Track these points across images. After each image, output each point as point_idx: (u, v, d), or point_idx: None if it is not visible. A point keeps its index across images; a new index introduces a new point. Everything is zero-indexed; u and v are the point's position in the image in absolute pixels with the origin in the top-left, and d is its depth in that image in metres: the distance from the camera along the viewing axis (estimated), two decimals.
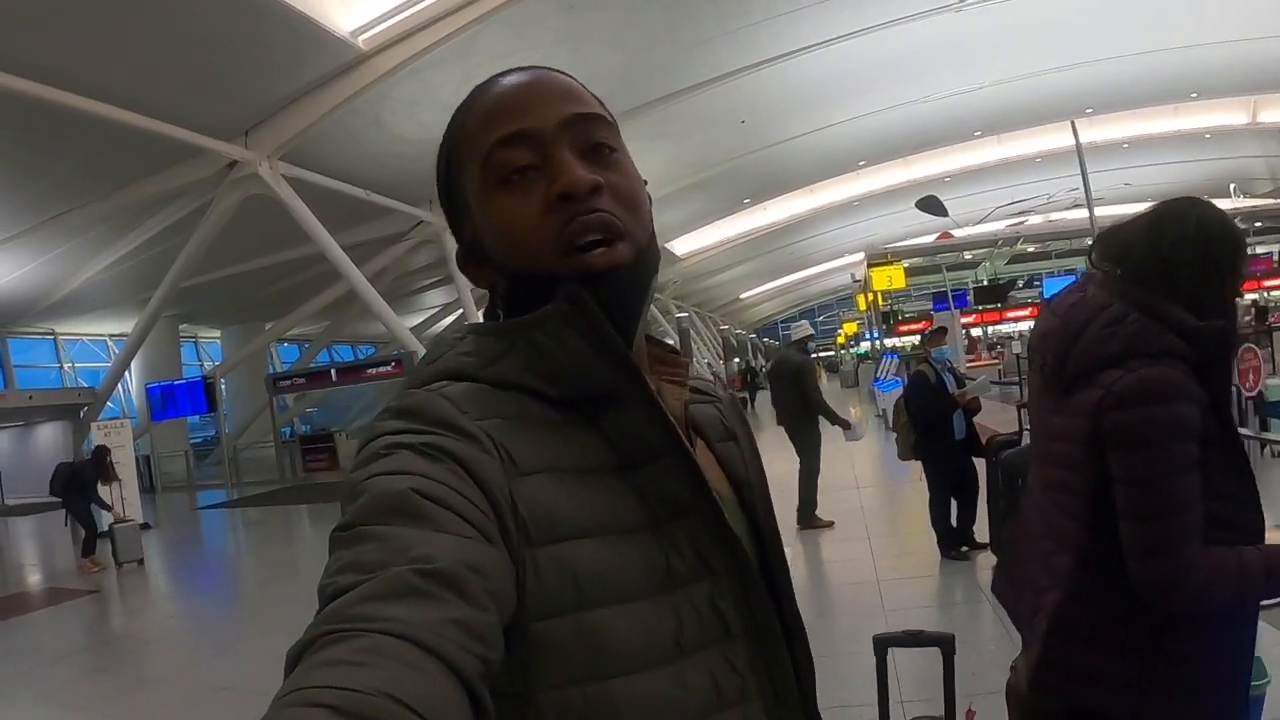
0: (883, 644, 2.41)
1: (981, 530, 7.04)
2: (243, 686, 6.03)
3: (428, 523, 0.72)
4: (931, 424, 7.38)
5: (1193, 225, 1.85)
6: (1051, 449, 2.00)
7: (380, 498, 0.74)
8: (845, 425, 9.22)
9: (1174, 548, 1.69)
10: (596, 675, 0.81)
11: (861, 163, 36.31)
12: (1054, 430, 1.98)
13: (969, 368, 24.13)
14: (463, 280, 24.25)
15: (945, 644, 2.30)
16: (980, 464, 7.35)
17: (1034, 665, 1.93)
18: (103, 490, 12.85)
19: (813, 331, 10.45)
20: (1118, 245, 1.95)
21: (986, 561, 6.90)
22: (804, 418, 9.46)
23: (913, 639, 2.35)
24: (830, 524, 9.27)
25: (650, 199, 1.03)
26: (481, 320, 1.03)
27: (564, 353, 0.89)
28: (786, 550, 1.07)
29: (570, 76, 1.01)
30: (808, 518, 9.31)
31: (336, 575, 0.68)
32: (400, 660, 0.59)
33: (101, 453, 13.43)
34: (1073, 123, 23.95)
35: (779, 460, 14.74)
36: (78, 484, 12.31)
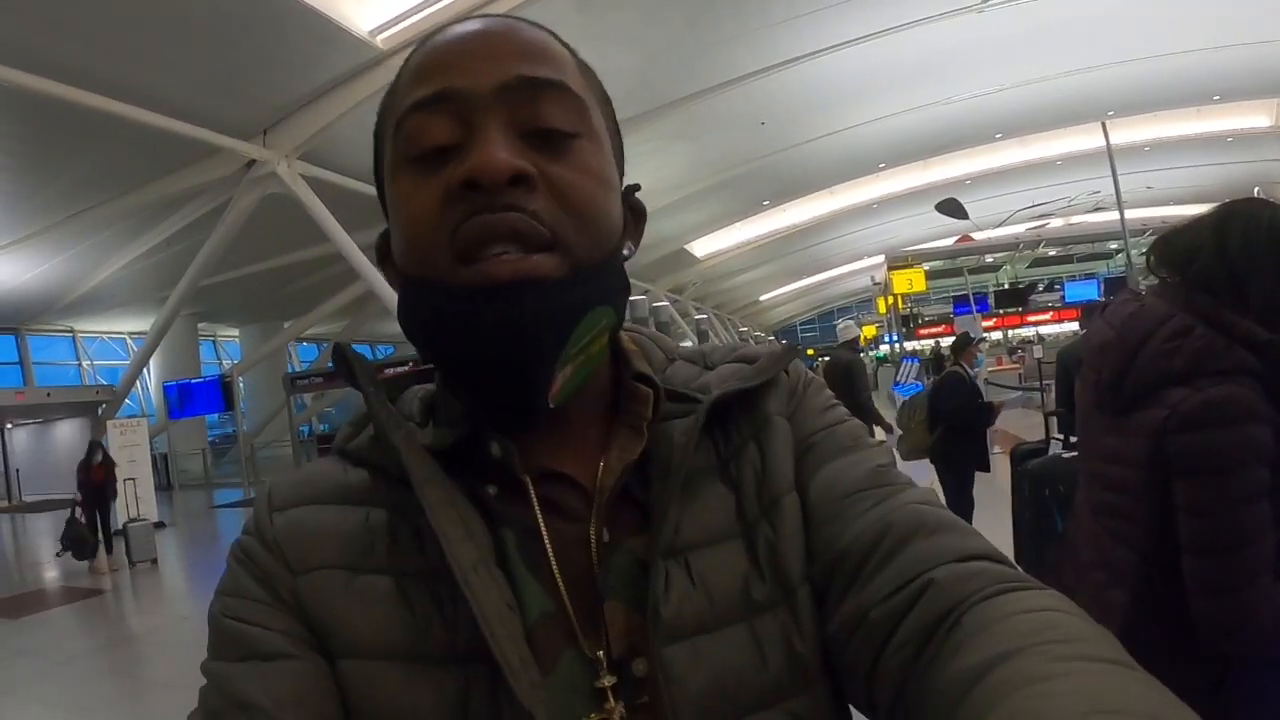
0: None
1: (1005, 541, 6.92)
2: None
3: (242, 647, 0.70)
4: (962, 428, 7.22)
5: (1264, 229, 1.71)
6: (1105, 472, 1.85)
7: (210, 627, 0.73)
8: (889, 429, 9.17)
9: (1242, 584, 1.56)
10: None
11: (881, 165, 36.18)
12: (1108, 452, 1.84)
13: (990, 373, 23.97)
14: None
15: None
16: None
17: None
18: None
19: (859, 332, 10.50)
20: (1180, 250, 1.80)
21: None
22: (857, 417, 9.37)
23: None
24: None
25: (639, 212, 0.83)
26: None
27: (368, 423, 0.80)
28: None
29: (549, 32, 0.77)
30: None
31: (195, 713, 0.70)
32: None
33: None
34: (1104, 124, 23.72)
35: None
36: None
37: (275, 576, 0.73)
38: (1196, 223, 1.80)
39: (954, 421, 7.16)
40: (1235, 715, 1.65)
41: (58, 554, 11.47)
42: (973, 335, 8.66)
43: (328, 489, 0.77)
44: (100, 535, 11.89)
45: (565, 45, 0.78)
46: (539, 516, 0.73)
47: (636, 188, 0.82)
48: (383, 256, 0.81)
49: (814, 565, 0.75)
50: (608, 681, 0.68)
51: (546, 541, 0.72)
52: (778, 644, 0.71)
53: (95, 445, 13.42)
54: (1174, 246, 1.82)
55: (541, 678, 0.66)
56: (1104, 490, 1.85)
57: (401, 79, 0.75)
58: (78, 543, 11.45)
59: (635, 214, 0.81)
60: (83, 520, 11.54)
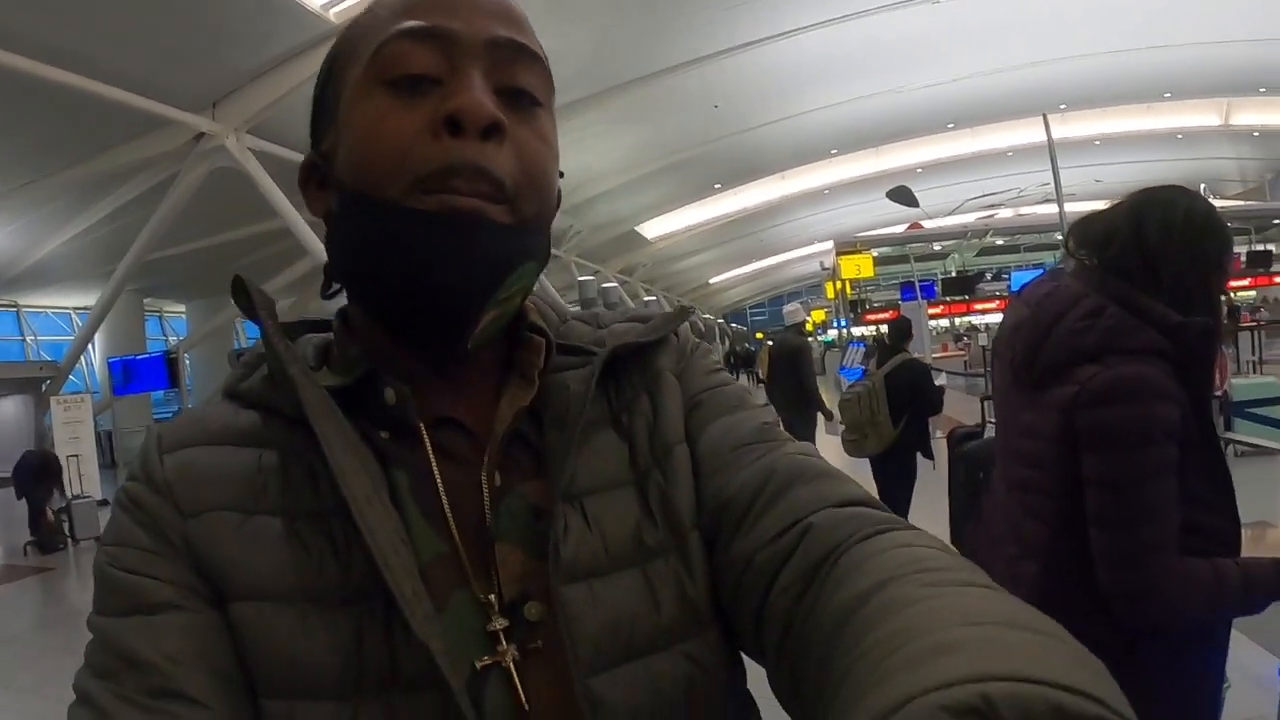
0: None
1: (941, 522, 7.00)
2: None
3: (130, 597, 0.68)
4: (925, 415, 7.21)
5: (1180, 216, 1.77)
6: (1019, 446, 1.91)
7: (95, 579, 0.71)
8: (829, 416, 9.22)
9: (1146, 556, 1.61)
10: None
11: (834, 151, 36.49)
12: (1022, 427, 1.89)
13: (935, 359, 24.28)
14: None
15: None
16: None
17: None
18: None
19: (806, 316, 10.51)
20: (1097, 234, 1.86)
21: None
22: (803, 403, 9.50)
23: None
24: None
25: (557, 194, 0.82)
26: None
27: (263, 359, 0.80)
28: None
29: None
30: None
31: (80, 672, 0.68)
32: None
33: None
34: (1045, 118, 24.02)
35: None
36: (52, 473, 11.91)
37: (164, 521, 0.71)
38: (1115, 208, 1.87)
39: (922, 410, 7.14)
40: (1145, 684, 1.69)
41: (25, 547, 11.20)
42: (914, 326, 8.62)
43: (218, 430, 0.76)
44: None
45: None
46: (432, 460, 0.74)
47: (562, 174, 0.82)
48: (309, 179, 0.81)
49: (703, 513, 0.78)
50: (499, 625, 0.70)
51: (439, 483, 0.74)
52: (670, 588, 0.74)
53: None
54: (1092, 229, 1.88)
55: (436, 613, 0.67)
56: (1018, 465, 1.91)
57: (382, 7, 0.75)
58: (45, 537, 11.23)
59: (559, 196, 0.82)
60: (50, 518, 11.30)
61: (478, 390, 0.79)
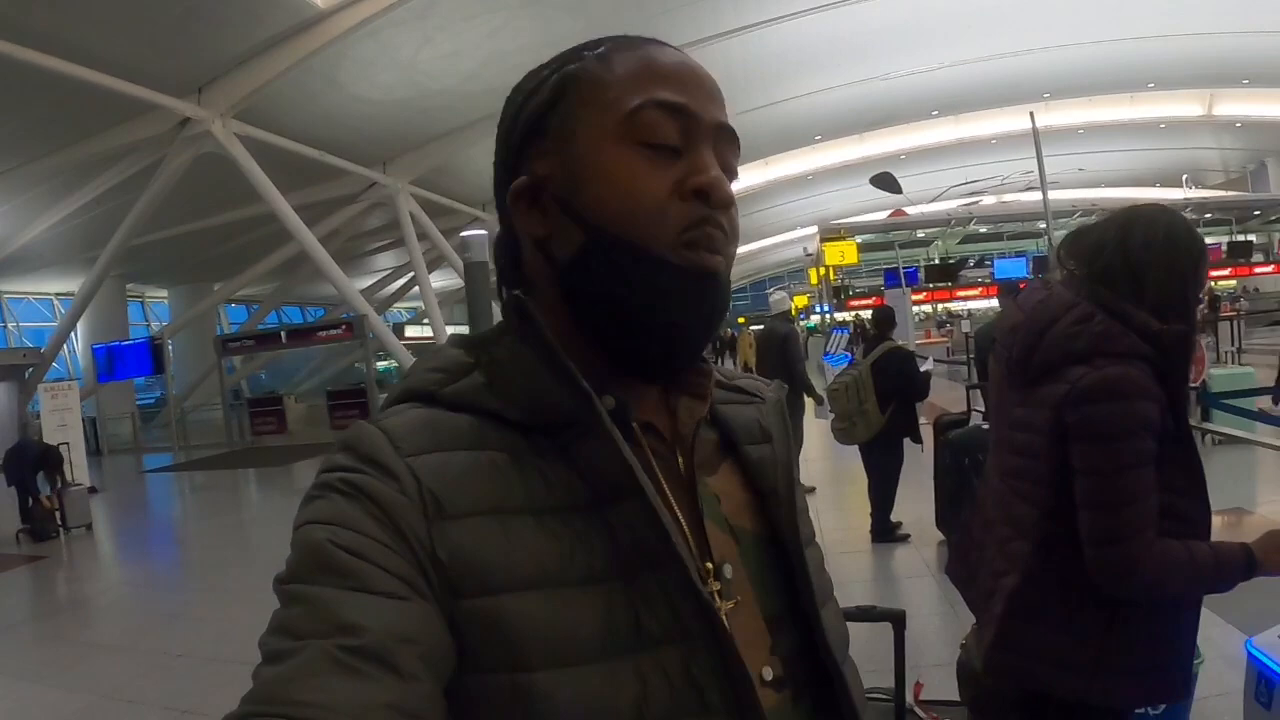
0: None
1: (928, 505, 7.16)
2: (199, 654, 6.00)
3: (350, 578, 0.69)
4: (911, 401, 7.33)
5: (1161, 233, 1.94)
6: (1013, 438, 2.08)
7: (304, 551, 0.72)
8: (819, 400, 9.41)
9: (1128, 536, 1.79)
10: None
11: (818, 137, 36.56)
12: (1016, 420, 2.06)
13: (918, 345, 24.44)
14: (414, 243, 24.46)
15: (897, 620, 2.38)
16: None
17: (989, 646, 2.02)
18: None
19: (790, 304, 10.68)
20: (1087, 247, 2.03)
21: (928, 538, 7.07)
22: (791, 390, 9.52)
23: (865, 614, 2.39)
24: (811, 490, 9.48)
25: None
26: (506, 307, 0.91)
27: (519, 373, 0.83)
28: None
29: None
30: None
31: (272, 637, 0.68)
32: None
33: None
34: (1031, 114, 24.15)
35: None
36: (53, 462, 11.84)
37: (404, 520, 0.74)
38: (1104, 222, 2.05)
39: (906, 396, 7.25)
40: (1125, 652, 1.91)
41: (18, 535, 11.17)
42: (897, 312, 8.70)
43: (448, 435, 0.80)
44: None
45: None
46: (650, 455, 0.86)
47: None
48: (519, 197, 0.88)
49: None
50: (715, 586, 0.83)
51: (660, 474, 0.86)
52: (819, 566, 0.95)
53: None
54: (1082, 242, 2.06)
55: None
56: (1011, 454, 2.09)
57: (623, 63, 0.85)
58: (40, 525, 11.19)
59: None
60: (44, 504, 11.25)
61: (655, 400, 0.91)
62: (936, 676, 4.32)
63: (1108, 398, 1.83)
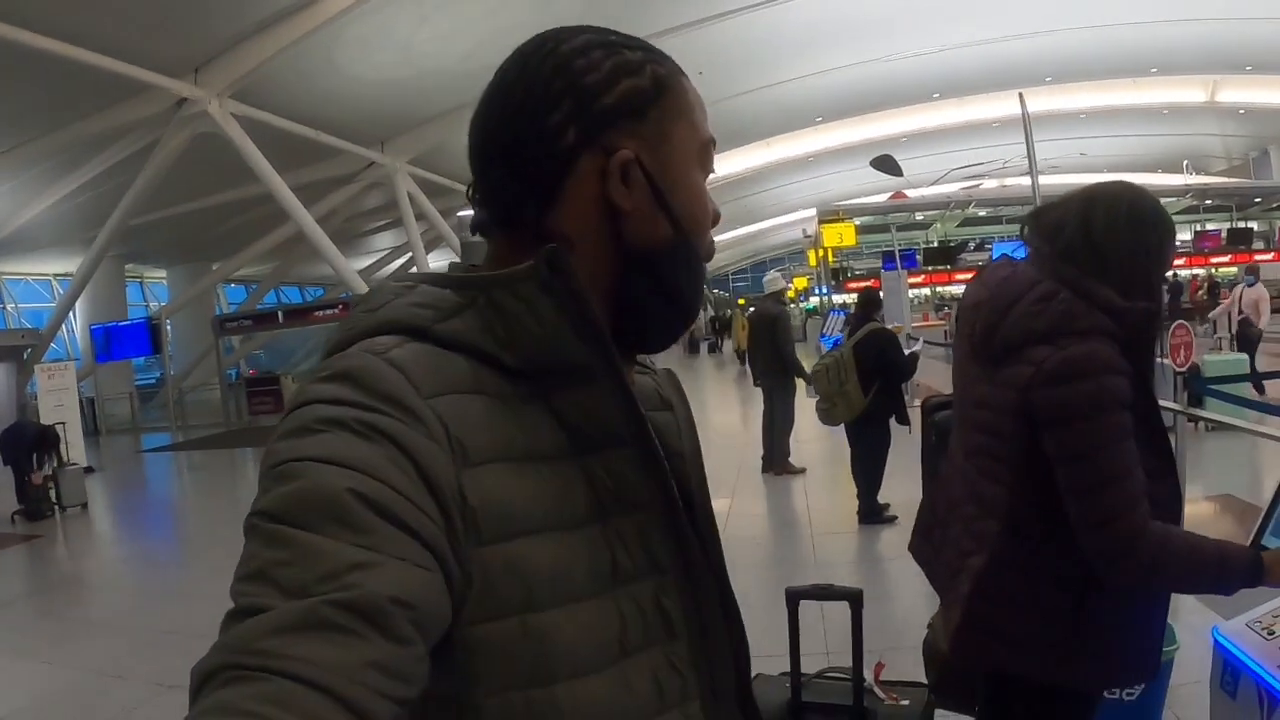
0: (794, 597, 2.46)
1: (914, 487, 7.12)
2: (189, 630, 5.93)
3: (363, 536, 0.65)
4: (896, 382, 7.35)
5: (1124, 210, 1.92)
6: (977, 416, 2.05)
7: (311, 493, 0.66)
8: (808, 380, 9.41)
9: (1118, 514, 1.74)
10: (541, 679, 0.77)
11: (818, 119, 36.37)
12: (980, 398, 2.03)
13: (915, 328, 24.42)
14: (412, 223, 24.37)
15: (853, 599, 2.37)
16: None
17: (955, 628, 1.99)
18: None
19: (786, 284, 10.81)
20: (1050, 224, 1.99)
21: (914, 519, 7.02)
22: (781, 369, 9.73)
23: (822, 593, 2.41)
24: (801, 470, 9.55)
25: None
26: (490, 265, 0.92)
27: (533, 320, 0.81)
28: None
29: None
30: (780, 464, 9.62)
31: (249, 584, 0.63)
32: (306, 714, 0.55)
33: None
34: (1020, 95, 24.02)
35: (747, 406, 14.84)
36: (50, 443, 11.80)
37: (435, 470, 0.72)
38: (1065, 200, 2.01)
39: (890, 377, 7.25)
40: (1093, 635, 1.89)
41: (13, 516, 11.15)
42: (890, 298, 8.73)
43: (454, 377, 0.79)
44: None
45: None
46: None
47: None
48: (626, 175, 0.89)
49: None
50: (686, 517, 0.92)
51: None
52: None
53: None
54: (1044, 220, 2.02)
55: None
56: (976, 432, 2.05)
57: (690, 93, 0.97)
58: (35, 505, 11.16)
59: None
60: (37, 483, 11.23)
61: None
62: (917, 657, 4.37)
63: (1076, 377, 1.79)
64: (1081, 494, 1.79)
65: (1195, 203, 40.41)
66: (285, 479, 0.68)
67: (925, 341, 11.76)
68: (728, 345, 34.25)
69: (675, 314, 0.94)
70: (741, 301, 70.00)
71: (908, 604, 5.40)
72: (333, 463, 0.68)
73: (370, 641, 0.60)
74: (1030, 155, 23.79)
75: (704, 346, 36.59)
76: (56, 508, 11.22)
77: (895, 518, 7.21)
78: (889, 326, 8.10)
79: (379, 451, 0.69)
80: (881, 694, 2.47)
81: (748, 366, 24.11)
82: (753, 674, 1.07)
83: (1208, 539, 1.80)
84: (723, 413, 17.61)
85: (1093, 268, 1.89)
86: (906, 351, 7.62)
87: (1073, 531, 1.81)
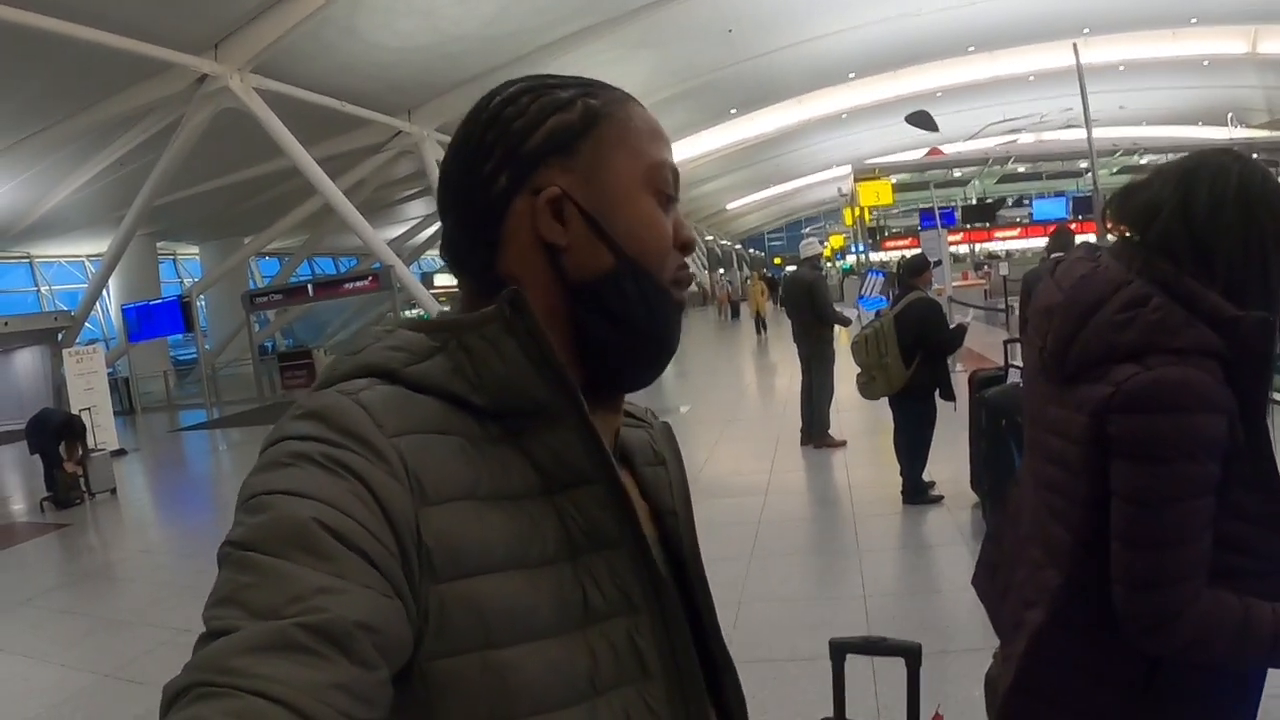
0: (840, 650, 1.98)
1: (961, 467, 6.90)
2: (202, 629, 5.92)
3: (327, 563, 0.66)
4: (939, 355, 7.00)
5: (1232, 187, 1.50)
6: (1046, 442, 1.69)
7: (279, 523, 0.68)
8: (846, 323, 9.94)
9: (1169, 584, 1.43)
10: (503, 715, 0.76)
11: (851, 75, 35.97)
12: (1049, 421, 1.68)
13: (955, 288, 23.99)
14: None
15: (910, 655, 1.88)
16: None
17: (1007, 690, 1.69)
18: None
19: (821, 250, 10.56)
20: (1139, 207, 1.59)
21: (963, 500, 6.80)
22: (819, 335, 9.60)
23: (874, 647, 2.00)
24: (842, 443, 9.34)
25: None
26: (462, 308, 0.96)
27: (499, 361, 0.83)
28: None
29: None
30: (820, 436, 9.42)
31: (219, 609, 0.64)
32: None
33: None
34: (1075, 46, 23.40)
35: (782, 377, 14.66)
36: (76, 432, 11.72)
37: (393, 506, 0.73)
38: (1158, 175, 1.61)
39: (933, 350, 6.90)
40: (1164, 711, 1.58)
41: (42, 504, 11.14)
42: (930, 257, 8.35)
43: (420, 417, 0.80)
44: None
45: None
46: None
47: None
48: (560, 208, 0.91)
49: None
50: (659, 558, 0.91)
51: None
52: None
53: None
54: (1133, 202, 1.63)
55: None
56: (1045, 462, 1.71)
57: (635, 118, 0.95)
58: (63, 493, 11.11)
59: None
60: (69, 471, 11.20)
61: (607, 412, 0.98)
62: (968, 664, 4.12)
63: (1161, 408, 1.42)
64: (1129, 544, 1.47)
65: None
66: (255, 511, 0.70)
67: (968, 306, 11.39)
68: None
69: (642, 346, 0.93)
70: (778, 261, 69.90)
71: (954, 599, 5.12)
72: (299, 495, 0.70)
73: (336, 664, 0.62)
74: (1084, 107, 23.20)
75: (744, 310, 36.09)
76: (86, 494, 11.19)
77: (941, 497, 6.93)
78: (933, 289, 7.73)
79: (342, 485, 0.72)
80: None
81: (765, 333, 23.82)
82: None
83: (1265, 606, 1.46)
84: (760, 380, 17.35)
85: (1193, 264, 1.50)
86: (953, 324, 7.25)
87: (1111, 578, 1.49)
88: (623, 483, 0.86)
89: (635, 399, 1.09)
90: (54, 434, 11.20)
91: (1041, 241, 41.05)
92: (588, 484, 0.85)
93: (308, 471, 0.72)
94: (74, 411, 12.94)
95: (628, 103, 0.96)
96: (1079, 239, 7.23)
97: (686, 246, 0.96)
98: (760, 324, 25.61)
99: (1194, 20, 32.34)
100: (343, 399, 0.78)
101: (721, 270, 57.09)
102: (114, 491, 11.56)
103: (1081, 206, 41.12)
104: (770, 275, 41.56)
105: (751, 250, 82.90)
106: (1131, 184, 1.67)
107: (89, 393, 15.08)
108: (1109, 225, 1.69)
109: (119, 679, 5.33)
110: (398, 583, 0.71)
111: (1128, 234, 1.62)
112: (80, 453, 11.35)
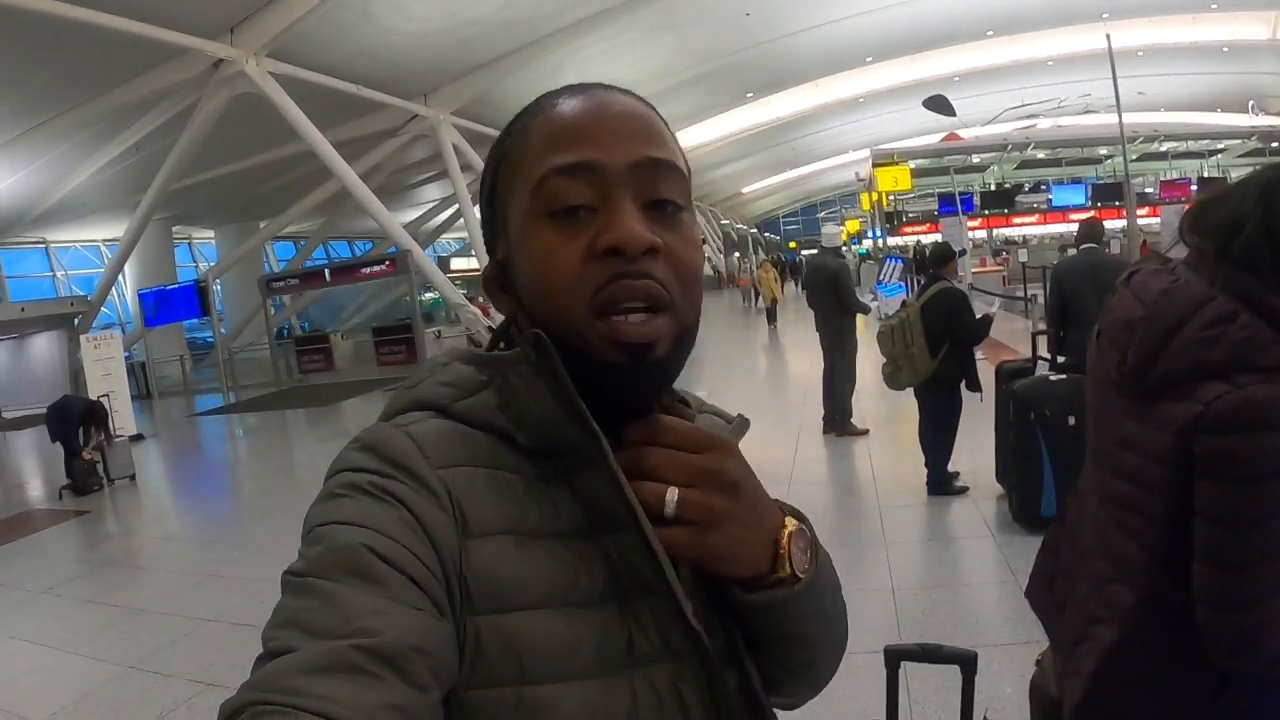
0: (895, 658, 2.01)
1: (987, 459, 6.87)
2: (226, 619, 5.94)
3: (379, 587, 0.68)
4: (965, 345, 6.96)
5: None
6: (1120, 458, 1.66)
7: (333, 551, 0.70)
8: (866, 311, 10.05)
9: (1255, 604, 1.42)
10: None
11: (869, 59, 35.81)
12: (1123, 437, 1.65)
13: (974, 274, 23.87)
14: (458, 174, 24.32)
15: (966, 663, 1.96)
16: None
17: (1074, 707, 1.68)
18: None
19: (841, 240, 10.69)
20: (1219, 221, 1.56)
21: (988, 491, 6.79)
22: (841, 323, 9.61)
23: (929, 655, 2.01)
24: (865, 432, 9.35)
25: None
26: (491, 340, 0.97)
27: (534, 402, 0.83)
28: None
29: (652, 107, 0.91)
30: (842, 424, 9.44)
31: (279, 630, 0.66)
32: None
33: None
34: (1107, 36, 23.21)
35: (804, 362, 14.65)
36: (98, 419, 11.72)
37: (438, 534, 0.75)
38: (1239, 189, 1.56)
39: (960, 340, 6.88)
40: None
41: (60, 491, 11.16)
42: (954, 247, 8.28)
43: (470, 451, 0.82)
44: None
45: (665, 123, 0.92)
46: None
47: (704, 241, 0.77)
48: (489, 282, 0.92)
49: None
50: (689, 608, 0.82)
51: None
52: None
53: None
54: (1212, 216, 1.58)
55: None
56: (1115, 478, 1.68)
57: (537, 135, 0.86)
58: (82, 480, 11.13)
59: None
60: (86, 458, 11.21)
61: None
62: (999, 659, 4.09)
63: (1251, 428, 1.40)
64: (1215, 564, 1.46)
65: (1260, 145, 39.20)
66: (314, 543, 0.73)
67: (994, 295, 11.34)
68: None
69: (592, 370, 0.83)
70: (794, 245, 69.69)
71: (980, 592, 5.15)
72: (351, 524, 0.72)
73: (392, 685, 0.63)
74: (1115, 91, 23.00)
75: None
76: (104, 481, 11.21)
77: (966, 488, 6.92)
78: (957, 279, 7.68)
79: (392, 513, 0.74)
80: None
81: (776, 324, 23.25)
82: None
83: None
84: (779, 368, 17.32)
85: (1277, 278, 1.47)
86: (979, 314, 7.19)
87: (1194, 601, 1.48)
88: (649, 532, 0.81)
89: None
90: (76, 421, 11.22)
91: (1059, 228, 40.99)
92: (625, 528, 0.82)
93: (359, 502, 0.75)
94: (93, 398, 12.93)
95: (538, 113, 0.88)
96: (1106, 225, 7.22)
97: (615, 251, 0.80)
98: (772, 315, 23.75)
99: (1214, 5, 32.02)
100: (395, 432, 0.81)
101: (738, 254, 56.95)
102: (133, 478, 11.58)
103: (1101, 193, 40.91)
104: (782, 258, 41.34)
105: (766, 234, 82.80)
106: (1207, 199, 1.66)
107: (107, 378, 15.11)
108: (1183, 238, 1.66)
109: (144, 670, 5.31)
110: (443, 606, 0.72)
111: (1204, 247, 1.58)
112: (100, 439, 11.36)
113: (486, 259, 0.94)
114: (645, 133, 0.86)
